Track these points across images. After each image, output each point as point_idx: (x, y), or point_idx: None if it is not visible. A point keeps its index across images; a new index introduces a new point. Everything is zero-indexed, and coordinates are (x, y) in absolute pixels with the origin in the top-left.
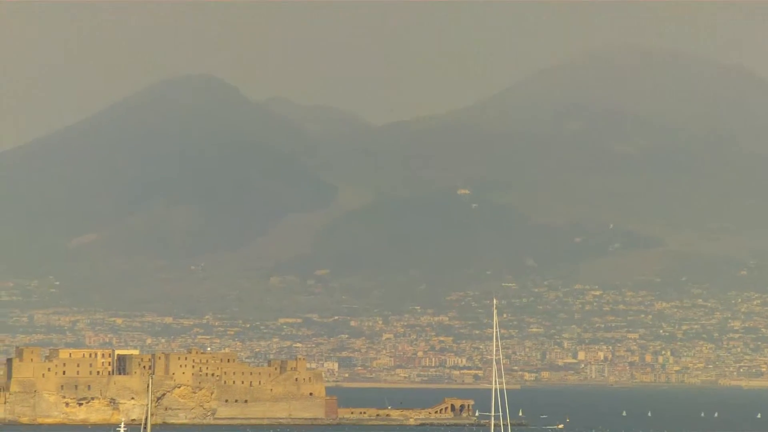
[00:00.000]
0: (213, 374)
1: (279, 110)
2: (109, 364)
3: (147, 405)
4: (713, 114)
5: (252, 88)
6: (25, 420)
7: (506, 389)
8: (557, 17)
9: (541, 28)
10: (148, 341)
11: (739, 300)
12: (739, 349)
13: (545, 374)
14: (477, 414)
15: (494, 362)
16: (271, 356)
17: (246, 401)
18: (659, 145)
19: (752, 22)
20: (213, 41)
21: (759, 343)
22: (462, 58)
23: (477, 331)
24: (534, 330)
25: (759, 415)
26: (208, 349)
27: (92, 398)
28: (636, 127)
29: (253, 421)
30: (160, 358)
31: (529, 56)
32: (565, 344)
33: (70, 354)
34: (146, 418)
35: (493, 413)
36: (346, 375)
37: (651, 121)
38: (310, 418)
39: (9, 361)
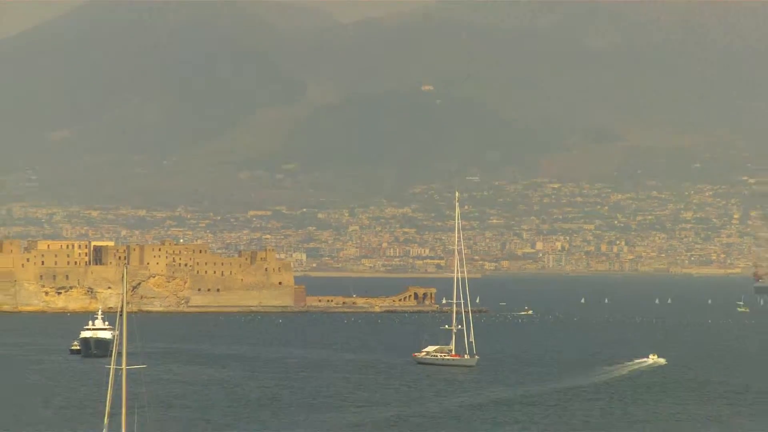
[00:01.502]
0: (186, 264)
1: (251, 8)
2: (86, 255)
3: (122, 294)
4: (688, 8)
5: None
6: (6, 308)
7: (467, 278)
8: None
9: None
10: (123, 233)
11: (692, 192)
12: (690, 239)
13: (505, 264)
14: (444, 301)
15: (456, 252)
16: (242, 247)
17: (218, 290)
18: (632, 41)
19: None
20: None
21: (709, 233)
22: None
23: (439, 223)
24: (494, 221)
25: (710, 301)
26: (181, 240)
27: (70, 287)
28: (611, 21)
29: (225, 309)
30: (134, 249)
31: None
32: (524, 235)
33: (48, 246)
34: (122, 307)
35: (455, 301)
36: (314, 265)
37: (626, 15)
38: (280, 306)
39: None
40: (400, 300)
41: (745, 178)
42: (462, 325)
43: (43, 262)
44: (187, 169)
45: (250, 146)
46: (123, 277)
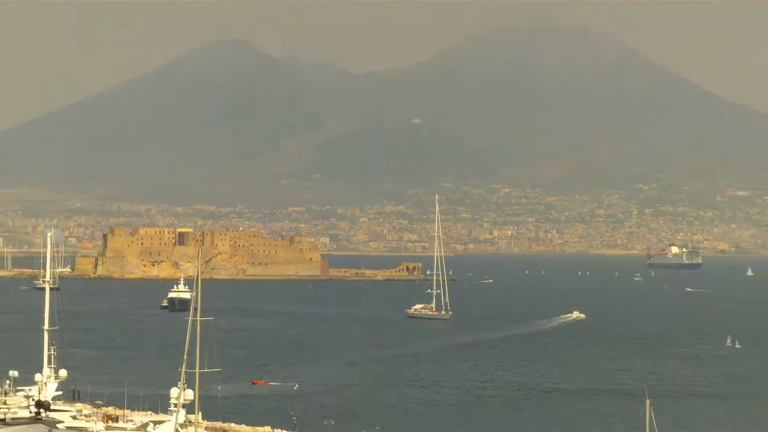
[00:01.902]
0: (243, 245)
1: (287, 63)
2: (173, 239)
3: (198, 266)
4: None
5: (272, 47)
6: (116, 275)
7: (444, 256)
8: None
9: None
10: (199, 222)
11: (604, 195)
12: (602, 229)
13: (471, 246)
14: (428, 272)
15: (436, 238)
16: (283, 233)
17: (266, 264)
18: (567, 83)
19: None
20: (241, 9)
21: (616, 224)
22: (425, 18)
23: (425, 217)
24: (463, 216)
25: (616, 274)
26: (240, 228)
27: (161, 261)
28: (552, 74)
29: (270, 278)
30: (207, 234)
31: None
32: (485, 225)
33: (146, 231)
34: (197, 275)
35: (435, 272)
36: (335, 246)
37: (558, 68)
38: (310, 276)
39: (105, 236)
40: (396, 272)
41: (641, 185)
42: (440, 290)
43: (142, 243)
44: (245, 178)
45: (287, 162)
46: (199, 254)
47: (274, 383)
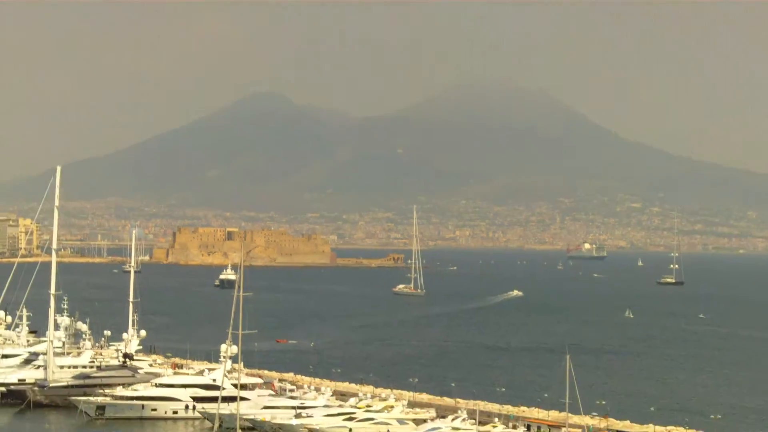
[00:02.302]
0: (274, 241)
1: (303, 109)
2: (223, 235)
3: (241, 256)
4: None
5: (296, 97)
6: (182, 262)
7: (419, 250)
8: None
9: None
10: (243, 224)
11: (534, 207)
12: (534, 230)
13: (439, 242)
14: (408, 261)
15: (414, 236)
16: (303, 232)
17: (291, 254)
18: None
19: None
20: (273, 68)
21: (544, 227)
22: (408, 74)
23: (406, 221)
24: (434, 220)
25: (545, 263)
26: (272, 228)
27: (215, 252)
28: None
29: (294, 265)
30: (248, 232)
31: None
32: (449, 227)
33: (204, 230)
34: (241, 262)
35: (413, 261)
36: (341, 242)
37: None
38: (323, 264)
39: (174, 233)
40: (385, 261)
41: (562, 199)
42: (417, 274)
43: (201, 239)
44: (277, 192)
45: (308, 181)
46: (242, 247)
47: (293, 341)
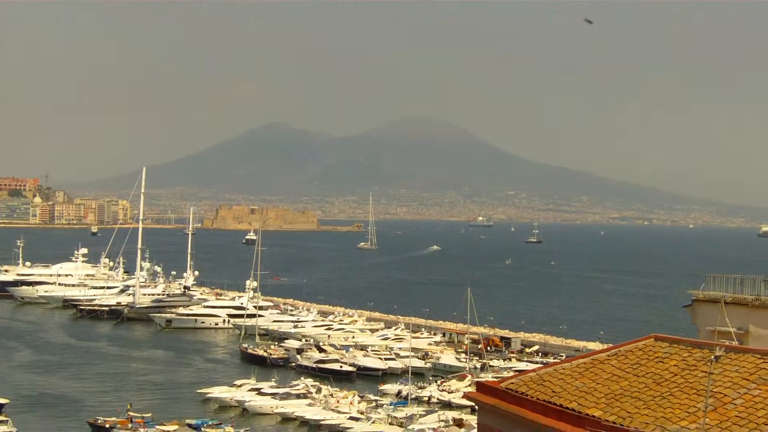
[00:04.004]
0: (281, 214)
1: (303, 132)
2: (249, 211)
3: (259, 224)
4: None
5: (297, 124)
6: (222, 228)
7: (374, 221)
8: None
9: None
10: (261, 204)
11: (445, 197)
12: (447, 208)
13: (386, 216)
14: (367, 228)
15: (370, 212)
16: (300, 209)
17: (291, 223)
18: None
19: None
20: (283, 101)
21: (452, 207)
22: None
23: (365, 202)
24: (383, 202)
25: (462, 231)
26: (280, 206)
27: (243, 221)
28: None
29: (294, 229)
30: (265, 209)
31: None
32: (393, 206)
33: (236, 207)
34: (259, 228)
35: (370, 228)
36: (324, 215)
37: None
38: (312, 229)
39: (217, 210)
40: (352, 227)
41: (464, 188)
42: (372, 236)
43: (234, 213)
44: (286, 184)
45: (307, 177)
46: (260, 218)
47: (284, 279)
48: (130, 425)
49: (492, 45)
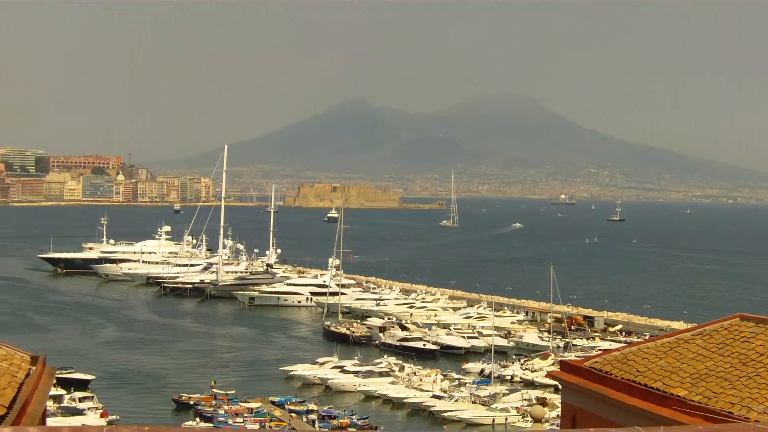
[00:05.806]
0: (363, 192)
1: (380, 108)
2: (330, 189)
3: (342, 202)
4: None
5: (374, 101)
6: (304, 206)
7: (456, 198)
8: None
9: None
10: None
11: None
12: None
13: (468, 194)
14: (448, 206)
15: (452, 189)
16: (381, 187)
17: (374, 201)
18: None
19: None
20: (360, 80)
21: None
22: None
23: (446, 180)
24: (464, 179)
25: (542, 209)
26: (361, 183)
27: (325, 199)
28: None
29: (376, 207)
30: (346, 187)
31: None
32: (475, 183)
33: (318, 185)
34: (342, 206)
35: (452, 205)
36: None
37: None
38: (393, 207)
39: (299, 188)
40: (433, 205)
41: (546, 167)
42: (454, 214)
43: (316, 191)
44: (365, 163)
45: (384, 156)
46: (342, 196)
47: (356, 256)
48: (214, 402)
49: (572, 21)
